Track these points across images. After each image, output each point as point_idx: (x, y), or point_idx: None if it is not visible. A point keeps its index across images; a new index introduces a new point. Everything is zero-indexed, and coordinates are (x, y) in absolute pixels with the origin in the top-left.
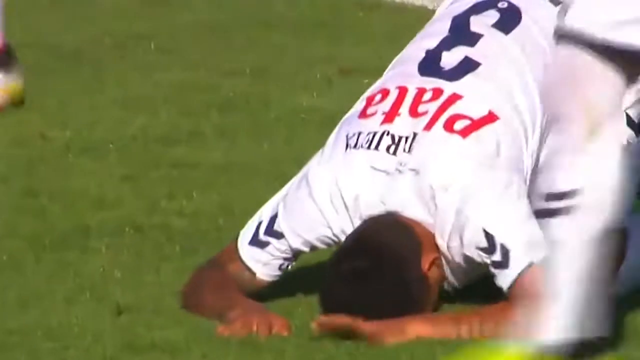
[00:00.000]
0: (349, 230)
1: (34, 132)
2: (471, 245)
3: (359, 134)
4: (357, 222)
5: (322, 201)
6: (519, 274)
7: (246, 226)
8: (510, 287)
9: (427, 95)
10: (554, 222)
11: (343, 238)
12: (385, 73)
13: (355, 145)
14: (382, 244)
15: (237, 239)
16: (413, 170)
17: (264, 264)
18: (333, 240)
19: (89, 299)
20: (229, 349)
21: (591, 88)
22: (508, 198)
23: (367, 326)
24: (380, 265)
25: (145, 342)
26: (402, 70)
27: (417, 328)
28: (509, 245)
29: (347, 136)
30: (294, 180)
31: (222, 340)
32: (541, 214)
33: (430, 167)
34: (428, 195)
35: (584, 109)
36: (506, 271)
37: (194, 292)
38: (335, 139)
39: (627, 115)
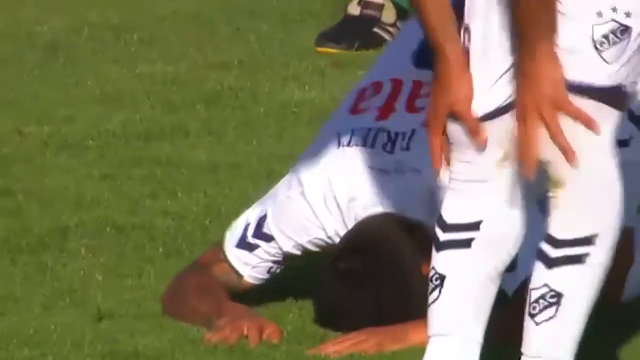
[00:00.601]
0: (343, 232)
1: (10, 128)
2: None
3: (352, 131)
4: (352, 224)
5: (315, 203)
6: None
7: (232, 227)
8: (516, 292)
9: (425, 89)
10: (451, 253)
11: (336, 240)
12: (374, 65)
13: (348, 144)
14: (381, 244)
15: (222, 240)
16: (414, 169)
17: (252, 267)
18: (326, 243)
19: (68, 304)
20: (216, 356)
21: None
22: None
23: (369, 345)
24: (379, 266)
25: (128, 350)
26: (395, 62)
27: (419, 335)
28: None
29: (338, 133)
30: (284, 180)
31: (209, 347)
32: (439, 245)
33: (429, 166)
34: (430, 196)
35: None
36: (512, 274)
37: (178, 297)
38: (325, 135)
39: (630, 111)
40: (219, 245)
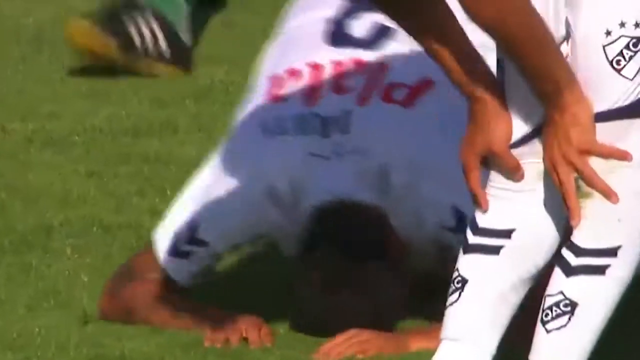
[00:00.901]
0: (290, 225)
1: None
2: (435, 225)
3: (280, 118)
4: (297, 215)
5: (252, 201)
6: None
7: (160, 232)
8: None
9: (348, 68)
10: (478, 258)
11: (281, 233)
12: (271, 51)
13: (280, 132)
14: (349, 243)
15: (152, 247)
16: (357, 151)
17: (188, 272)
18: (268, 237)
19: (53, 305)
20: None
21: None
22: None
23: (370, 347)
24: (354, 269)
25: (115, 354)
26: (305, 44)
27: (419, 344)
28: None
29: (263, 123)
30: (208, 177)
31: (200, 351)
32: (467, 248)
33: (377, 145)
34: (378, 176)
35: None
36: None
37: (134, 314)
38: (246, 127)
39: None
40: (150, 250)
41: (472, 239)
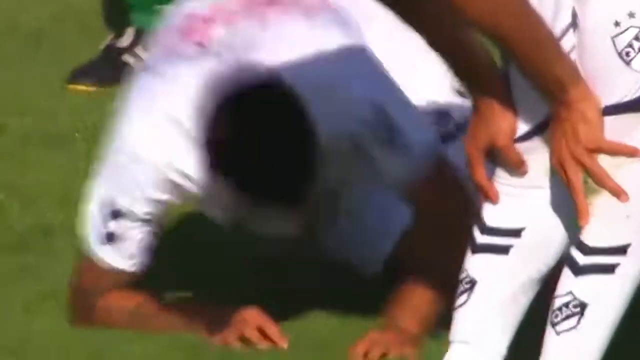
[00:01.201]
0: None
1: None
2: (354, 118)
3: (171, 62)
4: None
5: (148, 146)
6: (425, 161)
7: (84, 238)
8: (416, 179)
9: (233, 5)
10: (487, 258)
11: (197, 173)
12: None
13: (173, 71)
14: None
15: (86, 251)
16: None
17: (130, 255)
18: (187, 187)
19: (52, 308)
20: None
21: None
22: (382, 69)
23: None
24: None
25: (115, 357)
26: (185, 13)
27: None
28: (403, 120)
29: (160, 71)
30: (102, 161)
31: (202, 354)
32: (475, 248)
33: (291, 54)
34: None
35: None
36: (406, 156)
37: (124, 324)
38: (141, 86)
39: None
40: (90, 258)
41: (480, 238)
